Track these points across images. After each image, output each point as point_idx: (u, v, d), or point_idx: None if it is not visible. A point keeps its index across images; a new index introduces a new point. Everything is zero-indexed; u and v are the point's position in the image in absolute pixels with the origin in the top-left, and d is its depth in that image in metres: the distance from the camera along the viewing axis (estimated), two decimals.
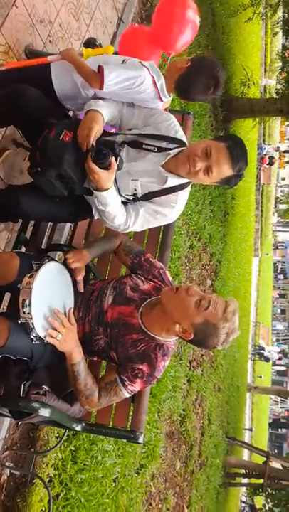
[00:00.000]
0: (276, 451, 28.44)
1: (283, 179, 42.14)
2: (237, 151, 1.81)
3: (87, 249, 1.93)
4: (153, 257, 1.98)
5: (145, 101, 2.04)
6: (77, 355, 1.71)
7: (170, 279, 1.93)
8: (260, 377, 24.97)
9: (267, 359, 24.55)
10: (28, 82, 2.01)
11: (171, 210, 1.94)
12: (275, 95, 9.72)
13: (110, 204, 1.83)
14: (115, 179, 1.83)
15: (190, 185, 1.98)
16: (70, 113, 2.38)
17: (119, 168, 1.81)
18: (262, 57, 17.03)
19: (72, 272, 1.86)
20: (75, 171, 1.80)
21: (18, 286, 1.64)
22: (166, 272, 1.93)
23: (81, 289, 1.86)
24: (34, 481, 2.58)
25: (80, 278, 1.85)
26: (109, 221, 1.92)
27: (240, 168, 1.83)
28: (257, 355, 23.01)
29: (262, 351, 23.74)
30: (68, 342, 1.70)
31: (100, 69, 1.92)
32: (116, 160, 1.76)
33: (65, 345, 1.69)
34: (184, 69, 2.00)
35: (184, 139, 1.96)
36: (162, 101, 2.10)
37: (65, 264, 1.86)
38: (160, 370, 1.75)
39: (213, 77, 2.01)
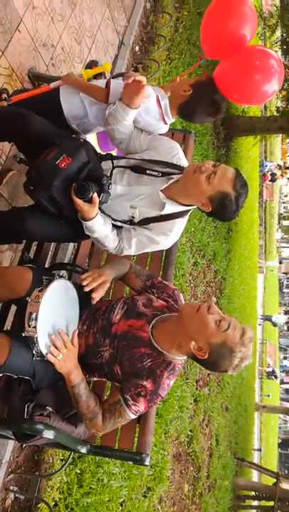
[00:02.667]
0: (286, 471, 27.80)
1: (286, 196, 42.29)
2: (242, 181, 1.84)
3: (108, 268, 1.92)
4: (165, 281, 1.98)
5: (149, 124, 2.08)
6: (76, 377, 1.70)
7: (183, 301, 1.92)
8: (268, 395, 24.59)
9: (274, 324, 26.47)
10: (38, 107, 2.08)
11: (165, 238, 1.96)
12: (275, 113, 9.83)
13: (97, 231, 1.90)
14: (111, 204, 1.89)
15: (188, 215, 1.99)
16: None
17: (102, 203, 1.86)
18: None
19: (79, 288, 1.86)
20: (63, 197, 1.84)
21: (27, 299, 1.65)
22: (180, 294, 1.93)
23: (94, 301, 1.84)
24: (39, 505, 2.52)
25: (100, 295, 1.83)
26: (99, 245, 2.01)
27: (240, 194, 1.82)
28: (265, 321, 24.10)
29: (270, 317, 24.95)
30: (67, 363, 1.69)
31: (108, 82, 2.05)
32: (101, 193, 1.82)
33: (64, 367, 1.68)
34: (186, 96, 2.11)
35: (186, 165, 1.99)
36: (166, 123, 2.14)
37: (72, 282, 1.87)
38: (164, 388, 1.71)
39: (214, 104, 2.15)
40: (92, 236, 1.93)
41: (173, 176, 1.92)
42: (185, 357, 1.75)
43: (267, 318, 24.88)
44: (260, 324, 22.00)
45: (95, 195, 1.79)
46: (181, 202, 1.93)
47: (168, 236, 1.95)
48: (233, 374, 1.66)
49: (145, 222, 1.93)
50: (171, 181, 1.91)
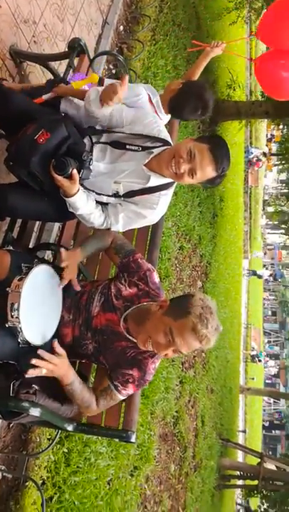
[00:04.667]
0: (270, 452, 28.47)
1: (275, 180, 42.46)
2: (220, 152, 1.83)
3: (79, 247, 1.92)
4: (142, 258, 1.95)
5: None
6: (69, 378, 1.71)
7: (157, 281, 1.89)
8: (253, 378, 25.03)
9: (259, 276, 28.26)
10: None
11: (152, 212, 1.95)
12: (260, 98, 9.82)
13: (80, 208, 1.87)
14: (95, 180, 1.88)
15: (173, 187, 1.99)
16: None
17: (83, 179, 1.83)
18: (247, 60, 17.18)
19: (62, 274, 1.85)
20: (42, 173, 1.80)
21: (7, 289, 1.62)
22: (154, 273, 1.89)
23: (77, 288, 1.85)
24: (27, 483, 2.54)
25: (68, 278, 1.82)
26: (85, 222, 1.98)
27: (224, 168, 1.85)
28: (250, 275, 24.93)
29: (255, 272, 26.47)
30: (57, 372, 1.67)
31: (102, 80, 2.06)
32: (81, 169, 1.79)
33: (57, 372, 1.68)
34: (176, 91, 2.18)
35: (168, 138, 1.96)
36: (161, 119, 2.16)
37: (55, 266, 1.85)
38: (151, 372, 1.77)
39: (201, 100, 2.26)
40: (77, 213, 1.91)
41: (153, 150, 1.90)
42: None
43: (253, 272, 25.94)
44: (247, 277, 22.38)
45: (75, 171, 1.75)
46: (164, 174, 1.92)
47: (154, 209, 1.94)
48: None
49: (130, 195, 1.91)
50: (152, 155, 1.90)
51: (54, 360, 1.65)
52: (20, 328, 1.60)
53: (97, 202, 1.95)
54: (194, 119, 2.57)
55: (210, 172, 1.82)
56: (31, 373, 1.59)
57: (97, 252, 2.02)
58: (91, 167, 1.86)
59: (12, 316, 1.59)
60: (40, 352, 1.64)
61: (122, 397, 1.78)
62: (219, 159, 1.81)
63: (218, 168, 1.82)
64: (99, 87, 1.96)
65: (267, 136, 25.18)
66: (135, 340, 1.73)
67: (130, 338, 1.75)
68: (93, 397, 1.77)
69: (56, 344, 1.70)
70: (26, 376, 1.60)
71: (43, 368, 1.62)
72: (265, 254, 40.97)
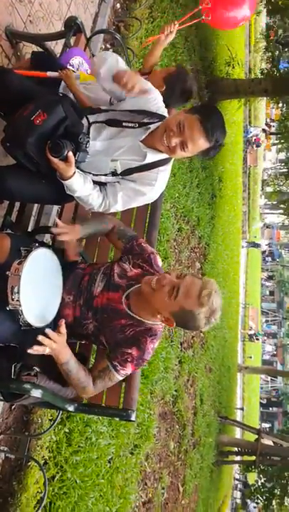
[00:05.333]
0: (268, 429, 29.01)
1: (270, 161, 42.13)
2: (211, 123, 1.78)
3: (80, 224, 1.92)
4: (145, 242, 1.98)
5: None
6: (64, 357, 1.71)
7: (160, 263, 1.92)
8: (251, 357, 25.34)
9: (258, 245, 29.13)
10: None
11: (151, 189, 1.94)
12: (259, 75, 9.68)
13: (77, 190, 1.86)
14: (92, 160, 1.86)
15: (171, 163, 1.97)
16: None
17: (80, 161, 1.82)
18: (246, 37, 16.86)
19: (62, 256, 1.86)
20: (38, 155, 1.79)
21: (7, 273, 1.63)
22: (157, 256, 1.92)
23: (73, 257, 1.88)
24: (29, 463, 2.59)
25: (73, 253, 1.85)
26: (83, 203, 1.97)
27: (217, 138, 1.80)
28: (249, 247, 25.42)
29: (254, 242, 27.13)
30: (56, 349, 1.68)
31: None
32: (77, 152, 1.77)
33: (53, 351, 1.68)
34: (161, 92, 2.13)
35: (165, 114, 1.94)
36: None
37: (54, 249, 1.85)
38: (149, 352, 1.77)
39: (186, 92, 2.47)
40: (75, 195, 1.90)
41: (150, 126, 1.88)
42: None
43: (253, 244, 26.34)
44: (244, 248, 22.73)
45: (71, 153, 1.74)
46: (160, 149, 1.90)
47: (153, 186, 1.93)
48: (209, 327, 1.68)
49: (128, 172, 1.90)
50: (148, 131, 1.88)
51: (57, 338, 1.67)
52: (21, 311, 1.61)
53: (95, 182, 1.94)
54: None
55: (202, 143, 1.79)
56: (36, 350, 1.61)
57: (96, 234, 2.02)
58: (88, 149, 1.84)
59: (13, 299, 1.61)
60: (47, 331, 1.66)
61: (120, 378, 1.78)
62: (210, 129, 1.77)
63: (209, 138, 1.78)
64: (108, 62, 1.89)
65: (266, 120, 24.82)
66: (136, 316, 1.75)
67: (131, 314, 1.76)
68: (90, 378, 1.77)
69: (63, 323, 1.72)
70: (30, 352, 1.61)
71: (47, 346, 1.63)
72: (264, 225, 41.03)
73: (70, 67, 2.43)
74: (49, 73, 2.14)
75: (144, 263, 1.88)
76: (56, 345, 1.66)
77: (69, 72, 2.05)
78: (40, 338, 1.62)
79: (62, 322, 1.72)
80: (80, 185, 1.85)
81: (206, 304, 1.60)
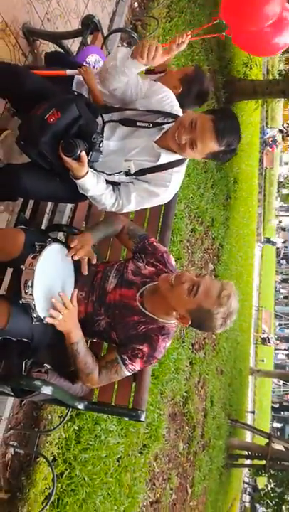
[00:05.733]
0: (278, 433, 28.72)
1: (287, 163, 41.72)
2: (224, 125, 1.74)
3: (90, 232, 1.92)
4: (157, 241, 1.97)
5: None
6: (75, 335, 1.73)
7: (173, 263, 1.92)
8: (263, 360, 25.11)
9: (273, 243, 28.64)
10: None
11: (164, 190, 1.93)
12: (277, 76, 9.59)
13: (90, 189, 1.86)
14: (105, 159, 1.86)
15: (185, 164, 1.95)
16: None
17: (92, 161, 1.82)
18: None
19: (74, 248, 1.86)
20: (51, 153, 1.79)
21: (21, 266, 1.65)
22: (170, 256, 1.92)
23: (85, 272, 1.86)
24: (38, 459, 2.61)
25: (80, 255, 1.83)
26: (96, 203, 1.98)
27: (229, 142, 1.76)
28: (264, 243, 24.99)
29: (269, 239, 26.59)
30: (68, 322, 1.71)
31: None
32: (90, 151, 1.77)
33: (65, 326, 1.71)
34: (177, 93, 2.13)
35: (179, 113, 1.92)
36: None
37: (68, 245, 1.86)
38: (161, 351, 1.76)
39: (202, 95, 2.40)
40: (87, 194, 1.91)
41: (164, 126, 1.87)
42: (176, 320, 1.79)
43: (267, 240, 26.12)
44: (260, 245, 22.62)
45: (83, 153, 1.74)
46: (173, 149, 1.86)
47: (167, 187, 1.92)
48: (227, 329, 1.68)
49: (141, 173, 1.89)
50: (163, 131, 1.87)
51: (69, 304, 1.70)
52: (34, 305, 1.62)
53: (109, 182, 1.93)
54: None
55: (211, 144, 1.75)
56: (50, 319, 1.65)
57: (107, 237, 2.02)
58: (101, 148, 1.83)
59: (26, 293, 1.62)
60: (61, 294, 1.70)
61: (127, 373, 1.77)
62: (221, 131, 1.72)
63: (219, 140, 1.74)
64: (124, 49, 1.85)
65: (283, 125, 24.47)
66: (149, 314, 1.74)
67: (144, 311, 1.76)
68: (96, 365, 1.77)
69: (75, 296, 1.75)
70: (45, 322, 1.65)
71: (60, 310, 1.65)
72: (280, 222, 40.64)
73: (87, 65, 2.44)
74: (68, 71, 2.14)
75: (158, 262, 1.88)
76: (68, 313, 1.68)
77: (88, 69, 2.05)
78: (54, 300, 1.66)
79: (75, 293, 1.76)
80: (92, 184, 1.85)
81: (224, 304, 1.59)
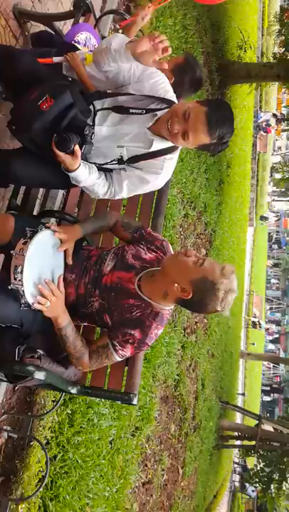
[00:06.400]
0: (268, 415, 29.29)
1: (280, 148, 41.63)
2: (217, 117, 1.73)
3: (79, 225, 1.92)
4: (154, 232, 1.98)
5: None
6: (63, 320, 1.74)
7: (171, 251, 1.93)
8: (253, 344, 25.46)
9: (265, 218, 29.00)
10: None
11: (156, 177, 1.92)
12: (272, 60, 9.50)
13: (82, 181, 1.86)
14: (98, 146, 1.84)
15: (178, 151, 1.94)
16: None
17: (85, 154, 1.81)
18: (259, 20, 16.52)
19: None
20: (44, 141, 1.76)
21: (11, 252, 1.64)
22: (169, 244, 1.93)
23: (69, 262, 1.86)
24: (32, 443, 2.64)
25: (63, 248, 1.83)
26: (89, 192, 1.98)
27: (222, 135, 1.75)
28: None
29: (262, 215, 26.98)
30: (55, 308, 1.72)
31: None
32: (83, 145, 1.76)
33: (52, 312, 1.72)
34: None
35: (174, 99, 1.91)
36: None
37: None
38: (152, 337, 1.76)
39: (195, 82, 2.35)
40: (80, 185, 1.91)
41: (158, 113, 1.85)
42: (172, 306, 1.79)
43: (261, 217, 26.75)
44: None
45: (77, 147, 1.73)
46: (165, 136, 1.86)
47: (159, 174, 1.91)
48: (225, 313, 1.66)
49: (134, 160, 1.88)
50: (156, 118, 1.85)
51: (56, 291, 1.71)
52: (23, 291, 1.62)
53: (101, 169, 1.92)
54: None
55: (203, 136, 1.74)
56: (38, 305, 1.65)
57: (97, 230, 2.01)
58: (92, 140, 1.82)
59: (15, 279, 1.61)
60: (47, 281, 1.70)
61: (118, 358, 1.78)
62: (214, 123, 1.71)
63: (211, 133, 1.73)
64: (121, 35, 1.84)
65: (277, 116, 24.29)
66: (145, 298, 1.75)
67: (141, 294, 1.76)
68: (87, 349, 1.78)
69: (61, 282, 1.77)
70: (33, 307, 1.66)
71: (47, 296, 1.67)
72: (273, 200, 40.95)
73: (76, 44, 2.39)
74: (55, 59, 2.10)
75: (158, 250, 1.89)
76: (55, 300, 1.69)
77: (75, 55, 2.02)
78: (40, 286, 1.66)
79: (61, 279, 1.77)
80: (85, 176, 1.85)
81: (227, 277, 1.61)
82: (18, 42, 2.69)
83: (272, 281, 45.15)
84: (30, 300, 1.65)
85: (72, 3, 2.62)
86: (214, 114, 1.73)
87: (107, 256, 1.87)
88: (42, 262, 1.73)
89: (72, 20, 2.65)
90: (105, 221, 1.99)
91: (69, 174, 1.83)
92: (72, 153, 1.74)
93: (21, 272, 1.61)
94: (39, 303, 1.66)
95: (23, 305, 1.67)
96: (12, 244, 1.68)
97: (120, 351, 1.75)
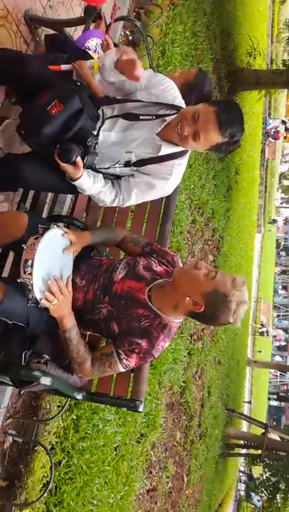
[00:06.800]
0: (274, 423, 29.01)
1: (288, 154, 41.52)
2: (227, 116, 1.74)
3: (89, 231, 1.93)
4: (162, 247, 1.98)
5: None
6: (68, 322, 1.73)
7: (181, 265, 1.92)
8: (260, 351, 25.28)
9: (274, 221, 29.72)
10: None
11: (165, 183, 1.92)
12: (281, 67, 9.50)
13: (87, 189, 1.88)
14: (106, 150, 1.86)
15: (187, 156, 1.94)
16: None
17: (88, 165, 1.82)
18: (268, 27, 16.54)
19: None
20: (52, 146, 1.77)
21: (23, 246, 1.65)
22: (179, 259, 1.93)
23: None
24: (36, 448, 2.63)
25: (70, 251, 1.82)
26: (96, 200, 1.99)
27: (232, 134, 1.76)
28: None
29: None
30: (62, 308, 1.71)
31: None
32: (86, 156, 1.77)
33: (58, 311, 1.71)
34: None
35: (182, 105, 1.90)
36: None
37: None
38: (158, 349, 1.76)
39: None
40: (85, 193, 1.92)
41: (166, 118, 1.85)
42: (182, 319, 1.79)
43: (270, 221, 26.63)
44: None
45: (79, 158, 1.74)
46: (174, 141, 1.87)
47: (168, 180, 1.91)
48: (237, 324, 1.65)
49: (142, 163, 1.89)
50: (165, 123, 1.85)
51: (64, 290, 1.71)
52: (32, 285, 1.62)
53: (109, 176, 1.93)
54: None
55: (214, 136, 1.75)
56: (45, 303, 1.65)
57: (105, 241, 2.02)
58: (96, 150, 1.83)
59: (25, 272, 1.61)
60: (56, 278, 1.70)
61: (121, 369, 1.76)
62: (224, 123, 1.72)
63: (222, 132, 1.73)
64: (113, 52, 1.88)
65: (286, 123, 24.30)
66: (155, 309, 1.74)
67: (151, 305, 1.75)
68: (90, 355, 1.77)
69: (69, 281, 1.76)
70: (40, 305, 1.66)
71: (55, 294, 1.66)
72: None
73: (87, 50, 2.40)
74: (63, 67, 2.12)
75: (169, 264, 1.88)
76: (62, 298, 1.69)
77: (82, 63, 2.03)
78: (49, 282, 1.66)
79: (70, 280, 1.77)
80: (89, 185, 1.86)
81: (239, 289, 1.61)
82: (29, 47, 2.71)
83: (280, 291, 44.86)
84: (38, 295, 1.65)
85: (83, 10, 2.64)
86: (224, 113, 1.74)
87: (119, 265, 1.87)
88: (51, 259, 1.73)
89: (82, 26, 2.67)
90: (113, 235, 2.00)
91: (73, 183, 1.84)
92: (74, 164, 1.75)
93: (31, 266, 1.61)
94: (46, 299, 1.66)
95: (30, 301, 1.66)
96: (24, 240, 1.69)
97: (124, 360, 1.73)
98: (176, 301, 1.69)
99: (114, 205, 1.99)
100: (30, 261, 1.61)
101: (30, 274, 1.61)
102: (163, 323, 1.74)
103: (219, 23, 7.89)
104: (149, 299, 1.76)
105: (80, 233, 1.89)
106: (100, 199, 1.95)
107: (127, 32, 4.18)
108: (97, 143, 1.82)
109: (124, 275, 1.83)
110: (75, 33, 2.99)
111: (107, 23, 2.74)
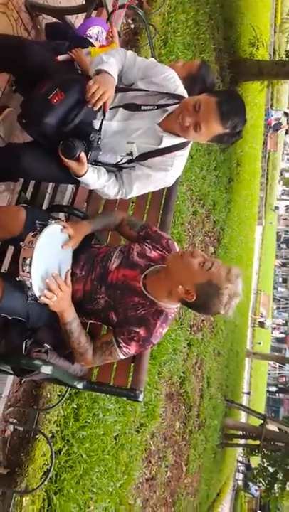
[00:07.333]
0: (273, 414, 29.21)
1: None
2: (228, 106, 1.72)
3: (88, 220, 1.93)
4: (159, 230, 1.97)
5: None
6: (68, 315, 1.74)
7: (177, 249, 1.91)
8: (260, 343, 25.39)
9: (276, 208, 29.62)
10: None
11: (166, 174, 1.91)
12: (284, 57, 9.43)
13: (91, 184, 1.87)
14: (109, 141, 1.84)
15: (188, 147, 1.93)
16: None
17: (92, 160, 1.81)
18: (272, 17, 16.37)
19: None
20: (53, 136, 1.76)
21: (21, 244, 1.64)
22: (174, 243, 1.92)
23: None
24: (37, 436, 2.65)
25: (71, 245, 1.82)
26: (100, 194, 1.99)
27: (234, 124, 1.74)
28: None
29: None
30: (61, 303, 1.71)
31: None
32: (89, 151, 1.75)
33: (58, 306, 1.71)
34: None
35: (184, 94, 1.89)
36: None
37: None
38: (157, 336, 1.76)
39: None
40: (90, 188, 1.92)
41: (168, 108, 1.84)
42: (177, 305, 1.79)
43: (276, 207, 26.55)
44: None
45: (83, 154, 1.73)
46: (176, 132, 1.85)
47: (168, 171, 1.90)
48: (228, 314, 1.65)
49: (143, 157, 1.88)
50: (166, 113, 1.84)
51: (63, 286, 1.70)
52: (31, 283, 1.62)
53: (110, 170, 1.92)
54: None
55: (216, 126, 1.73)
56: (44, 299, 1.65)
57: (105, 227, 2.02)
58: (100, 145, 1.81)
59: (23, 271, 1.61)
60: (54, 275, 1.70)
61: (121, 356, 1.77)
62: (226, 113, 1.71)
63: (224, 122, 1.72)
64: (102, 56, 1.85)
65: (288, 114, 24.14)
66: (150, 296, 1.74)
67: (146, 293, 1.75)
68: (91, 346, 1.78)
69: (68, 275, 1.76)
70: (40, 301, 1.66)
71: (54, 291, 1.66)
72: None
73: (88, 38, 2.38)
74: (60, 57, 2.11)
75: (163, 249, 1.88)
76: (61, 294, 1.69)
77: (79, 51, 2.01)
78: (48, 281, 1.66)
79: (68, 274, 1.76)
80: (93, 179, 1.86)
81: (232, 281, 1.60)
82: (30, 35, 2.69)
83: (280, 288, 44.91)
84: (37, 293, 1.65)
85: None
86: (225, 104, 1.72)
87: (114, 253, 1.87)
88: (50, 256, 1.73)
89: (84, 14, 2.64)
90: (112, 219, 1.99)
91: (78, 179, 1.84)
92: (78, 159, 1.74)
93: (30, 264, 1.60)
94: (45, 296, 1.66)
95: (29, 298, 1.67)
96: (23, 237, 1.68)
97: (124, 348, 1.75)
98: (170, 288, 1.69)
99: (118, 197, 1.99)
100: (28, 259, 1.60)
101: (29, 272, 1.60)
102: (159, 310, 1.75)
103: (222, 13, 7.81)
104: (144, 286, 1.76)
105: (79, 225, 1.88)
106: (104, 193, 1.95)
107: (129, 20, 4.15)
108: (100, 138, 1.80)
109: (118, 264, 1.83)
110: (76, 20, 2.97)
111: (109, 11, 2.72)
